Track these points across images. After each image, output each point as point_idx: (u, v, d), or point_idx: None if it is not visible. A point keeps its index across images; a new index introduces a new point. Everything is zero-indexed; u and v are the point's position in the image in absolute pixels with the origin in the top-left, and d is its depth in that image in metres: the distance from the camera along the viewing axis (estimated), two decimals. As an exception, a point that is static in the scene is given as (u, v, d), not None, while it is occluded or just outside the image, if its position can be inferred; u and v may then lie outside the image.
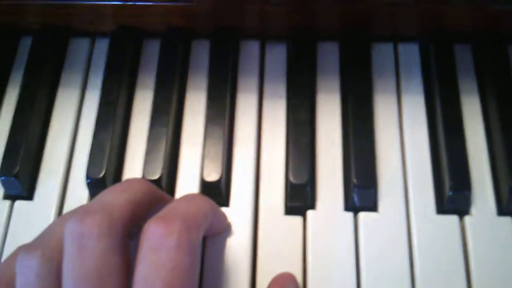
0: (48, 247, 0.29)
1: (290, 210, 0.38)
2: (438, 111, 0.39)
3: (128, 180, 0.33)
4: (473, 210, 0.37)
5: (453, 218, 0.37)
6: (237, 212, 0.38)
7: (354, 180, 0.37)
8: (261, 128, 0.41)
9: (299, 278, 0.36)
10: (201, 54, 0.44)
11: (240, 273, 0.36)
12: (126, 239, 0.30)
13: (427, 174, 0.38)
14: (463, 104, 0.40)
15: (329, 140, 0.40)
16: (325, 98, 0.41)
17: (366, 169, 0.37)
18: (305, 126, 0.39)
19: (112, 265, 0.28)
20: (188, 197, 0.33)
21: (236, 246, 0.37)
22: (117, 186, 0.32)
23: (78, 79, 0.44)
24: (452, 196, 0.36)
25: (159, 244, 0.28)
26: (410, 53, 0.43)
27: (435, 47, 0.42)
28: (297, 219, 0.38)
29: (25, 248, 0.29)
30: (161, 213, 0.30)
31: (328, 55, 0.43)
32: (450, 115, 0.39)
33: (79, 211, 0.29)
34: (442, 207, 0.37)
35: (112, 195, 0.31)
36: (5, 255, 0.38)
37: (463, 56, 0.43)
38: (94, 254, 0.28)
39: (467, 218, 0.37)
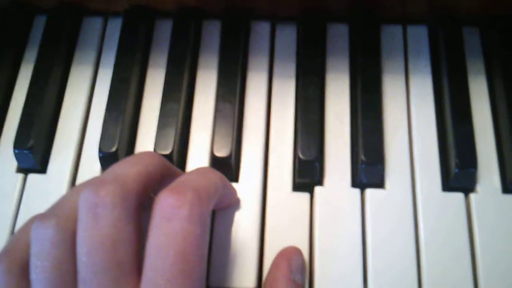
0: (62, 216, 0.30)
1: (298, 186, 0.39)
2: (446, 92, 0.40)
3: (140, 153, 0.34)
4: (479, 187, 0.38)
5: (459, 196, 0.37)
6: (246, 187, 0.39)
7: (362, 157, 0.37)
8: (271, 106, 0.42)
9: (306, 253, 0.37)
10: (212, 34, 0.45)
11: (248, 247, 0.37)
12: (139, 209, 0.30)
13: (434, 152, 0.39)
14: (470, 85, 0.41)
15: (337, 119, 0.40)
16: (334, 78, 0.42)
17: (374, 146, 0.38)
18: (314, 103, 0.40)
19: (126, 233, 0.29)
20: (199, 170, 0.34)
21: (245, 221, 0.37)
22: (129, 159, 0.33)
23: (91, 57, 0.44)
24: (458, 174, 0.37)
25: (171, 214, 0.28)
26: (419, 35, 0.44)
27: (444, 29, 0.43)
28: (305, 196, 0.38)
29: (39, 217, 0.30)
30: (173, 184, 0.31)
31: (338, 36, 0.44)
32: (458, 95, 0.39)
33: (92, 182, 0.30)
34: (448, 184, 0.38)
35: (124, 167, 0.32)
36: (17, 229, 0.38)
37: (472, 39, 0.43)
38: (108, 223, 0.28)
39: (472, 196, 0.37)
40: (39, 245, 0.29)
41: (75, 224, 0.29)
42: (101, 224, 0.28)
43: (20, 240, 0.32)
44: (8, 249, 0.31)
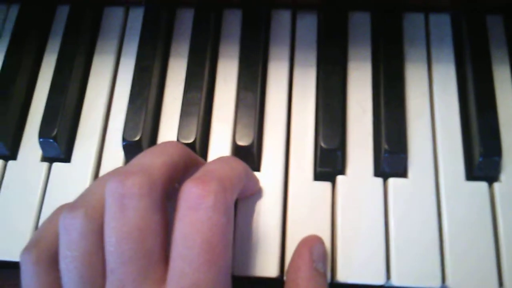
0: (90, 206, 0.30)
1: (320, 175, 0.39)
2: (469, 80, 0.40)
3: (164, 143, 0.34)
4: (503, 176, 0.38)
5: (483, 185, 0.37)
6: (268, 176, 0.39)
7: (385, 146, 0.37)
8: (292, 95, 0.42)
9: (327, 242, 0.37)
10: (233, 23, 0.45)
11: (271, 236, 0.37)
12: (165, 199, 0.31)
13: (457, 141, 0.39)
14: (494, 73, 0.40)
15: (360, 108, 0.40)
16: (356, 67, 0.42)
17: (397, 135, 0.38)
18: (336, 92, 0.40)
19: (153, 223, 0.29)
20: (223, 159, 0.34)
21: (267, 210, 0.38)
22: (154, 149, 0.33)
23: (113, 47, 0.45)
24: (482, 162, 0.37)
25: (197, 204, 0.29)
26: (442, 23, 0.43)
27: (467, 17, 0.42)
28: (326, 185, 0.38)
29: (67, 208, 0.30)
30: (198, 174, 0.31)
31: (359, 24, 0.44)
32: (482, 83, 0.39)
33: (119, 172, 0.30)
34: (472, 173, 0.38)
35: (150, 157, 0.32)
36: (43, 216, 0.39)
37: (495, 27, 0.43)
38: (135, 213, 0.29)
39: (496, 185, 0.37)
40: (67, 236, 0.30)
41: (103, 214, 0.30)
42: (128, 215, 0.29)
43: (48, 230, 0.32)
44: (36, 239, 0.32)
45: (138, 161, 0.32)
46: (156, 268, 0.29)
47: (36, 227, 0.39)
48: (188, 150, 0.34)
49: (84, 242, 0.29)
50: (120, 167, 0.34)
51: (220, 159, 0.34)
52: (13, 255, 0.38)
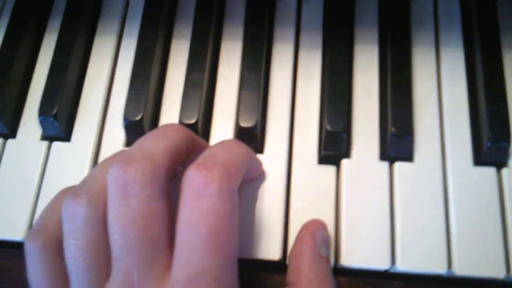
0: (93, 194, 0.30)
1: (324, 159, 0.38)
2: (479, 64, 0.39)
3: (165, 126, 0.33)
4: (511, 162, 0.37)
5: (491, 170, 0.37)
6: (271, 159, 0.38)
7: (392, 129, 0.36)
8: (297, 77, 0.41)
9: (331, 227, 0.36)
10: (237, 3, 0.44)
11: (274, 219, 0.36)
12: (168, 184, 0.30)
13: (465, 126, 0.38)
14: (504, 58, 0.40)
15: (366, 91, 0.40)
16: (362, 50, 0.41)
17: (404, 119, 0.37)
18: (342, 74, 0.39)
19: (157, 210, 0.29)
20: (225, 143, 0.33)
21: (270, 193, 0.37)
22: (155, 133, 0.32)
23: (115, 27, 0.44)
24: (491, 147, 0.36)
25: (201, 191, 0.28)
26: (450, 5, 0.42)
27: (477, 2, 0.41)
28: (331, 169, 0.38)
29: (70, 195, 0.30)
30: (201, 159, 0.30)
31: (366, 7, 0.43)
32: (491, 68, 0.38)
33: (120, 158, 0.29)
34: (480, 158, 0.37)
35: (151, 142, 0.31)
36: (42, 196, 0.38)
37: (505, 12, 0.42)
38: (139, 201, 0.28)
39: (504, 171, 0.37)
40: (71, 224, 0.29)
41: (106, 201, 0.29)
42: (132, 202, 0.28)
43: (51, 216, 0.32)
44: (41, 226, 0.31)
45: (140, 146, 0.31)
46: (162, 255, 0.29)
47: (36, 206, 0.38)
48: (190, 132, 0.34)
49: (88, 230, 0.29)
50: (122, 152, 0.34)
51: (223, 143, 0.33)
52: (11, 234, 0.37)
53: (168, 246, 0.29)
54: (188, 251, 0.28)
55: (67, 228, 0.30)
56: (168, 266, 0.29)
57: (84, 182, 0.31)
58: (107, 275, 0.29)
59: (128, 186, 0.28)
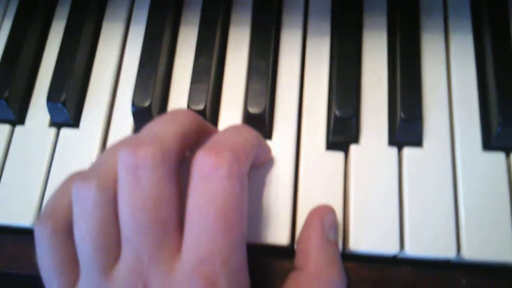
0: (103, 177, 0.30)
1: (333, 144, 0.38)
2: (488, 48, 0.39)
3: (174, 112, 0.33)
4: (521, 146, 0.37)
5: (500, 155, 0.36)
6: (279, 145, 0.38)
7: (401, 113, 0.36)
8: (305, 63, 0.41)
9: (339, 212, 0.36)
10: (245, -11, 0.44)
11: (282, 205, 0.36)
12: (178, 168, 0.30)
13: (474, 111, 0.38)
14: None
15: (375, 76, 0.39)
16: (371, 35, 0.41)
17: (413, 104, 0.37)
18: (351, 60, 0.39)
19: (167, 193, 0.29)
20: (235, 128, 0.34)
21: (278, 178, 0.37)
22: (164, 117, 0.32)
23: (123, 13, 0.44)
24: (501, 132, 0.36)
25: (210, 175, 0.28)
26: (460, -9, 0.42)
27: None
28: (339, 155, 0.38)
29: (80, 179, 0.30)
30: (210, 144, 0.30)
31: (375, -8, 0.43)
32: (500, 53, 0.38)
33: (130, 142, 0.29)
34: (489, 143, 0.37)
35: (161, 126, 0.31)
36: (50, 182, 0.39)
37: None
38: (149, 184, 0.28)
39: (514, 155, 0.36)
40: (81, 207, 0.29)
41: (116, 184, 0.29)
42: (142, 186, 0.28)
43: (61, 200, 0.32)
44: (50, 211, 0.31)
45: (149, 131, 0.31)
46: (172, 238, 0.29)
47: (44, 192, 0.38)
48: (200, 118, 0.34)
49: (98, 212, 0.29)
50: (131, 137, 0.34)
51: (232, 128, 0.34)
52: (20, 220, 0.38)
53: (178, 229, 0.29)
54: (197, 233, 0.28)
55: (77, 211, 0.30)
56: (178, 248, 0.29)
57: (94, 166, 0.31)
58: (117, 257, 0.29)
59: (138, 170, 0.28)
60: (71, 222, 0.30)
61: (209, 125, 0.35)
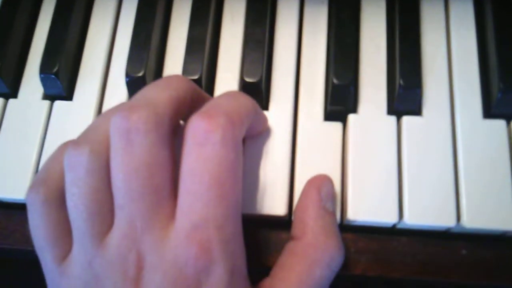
0: (95, 142, 0.29)
1: (330, 114, 0.37)
2: (488, 14, 0.38)
3: (169, 77, 0.33)
4: (522, 114, 0.36)
5: (501, 123, 0.36)
6: (276, 115, 0.37)
7: (400, 81, 0.36)
8: (303, 32, 0.40)
9: (337, 183, 0.36)
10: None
11: (279, 175, 0.36)
12: (172, 134, 0.30)
13: (474, 78, 0.37)
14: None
15: (373, 44, 0.39)
16: (369, 2, 0.40)
17: (412, 71, 0.36)
18: (348, 26, 0.38)
19: (160, 159, 0.28)
20: (230, 94, 0.33)
21: (275, 149, 0.36)
22: (158, 83, 0.32)
23: (116, -17, 0.43)
24: (501, 99, 0.35)
25: (204, 139, 0.28)
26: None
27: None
28: (337, 125, 0.37)
29: (72, 144, 0.29)
30: (205, 108, 0.30)
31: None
32: (501, 18, 0.37)
33: (123, 107, 0.29)
34: (489, 111, 0.36)
35: (154, 91, 0.31)
36: (44, 155, 0.38)
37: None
38: (142, 149, 0.28)
39: (515, 123, 0.36)
40: (74, 173, 0.29)
41: (108, 150, 0.29)
42: (135, 150, 0.28)
43: (53, 168, 0.31)
44: (42, 178, 0.31)
45: (143, 95, 0.31)
46: (165, 204, 0.28)
47: (38, 165, 0.38)
48: (194, 85, 0.33)
49: (91, 179, 0.29)
50: (125, 102, 0.33)
51: (228, 94, 0.33)
52: (14, 194, 0.37)
53: (172, 195, 0.29)
54: (191, 199, 0.28)
55: (69, 177, 0.29)
56: (172, 215, 0.28)
57: (86, 132, 0.31)
58: (110, 224, 0.29)
59: (131, 134, 0.28)
60: (63, 189, 0.30)
61: (204, 93, 0.35)
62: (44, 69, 0.38)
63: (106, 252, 0.28)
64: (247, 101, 0.33)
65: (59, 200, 0.30)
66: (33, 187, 0.30)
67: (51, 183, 0.30)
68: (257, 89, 0.37)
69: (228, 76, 0.39)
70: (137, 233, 0.28)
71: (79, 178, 0.29)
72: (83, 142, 0.29)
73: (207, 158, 0.28)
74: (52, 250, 0.30)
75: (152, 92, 0.31)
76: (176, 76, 0.33)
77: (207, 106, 0.30)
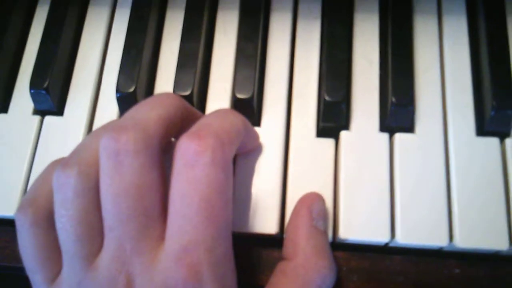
0: (84, 163, 0.29)
1: (323, 131, 0.37)
2: (482, 31, 0.38)
3: (159, 95, 0.32)
4: (515, 132, 0.36)
5: (494, 141, 0.35)
6: (268, 131, 0.37)
7: (392, 98, 0.35)
8: (295, 47, 0.40)
9: (330, 200, 0.35)
10: (234, -28, 0.43)
11: (271, 193, 0.35)
12: (161, 154, 0.29)
13: (468, 95, 0.37)
14: (508, 25, 0.38)
15: (366, 60, 0.38)
16: (362, 18, 0.40)
17: (405, 88, 0.36)
18: (341, 43, 0.38)
19: (150, 180, 0.28)
20: (220, 112, 0.32)
21: (267, 166, 0.36)
22: (148, 101, 0.31)
23: (108, -3, 0.43)
24: (494, 116, 0.35)
25: (193, 161, 0.28)
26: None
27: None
28: (329, 141, 0.37)
29: (61, 165, 0.29)
30: (194, 128, 0.29)
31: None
32: (495, 35, 0.37)
33: (112, 127, 0.28)
34: (483, 128, 0.36)
35: (144, 111, 0.30)
36: (34, 171, 0.38)
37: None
38: (132, 170, 0.28)
39: (508, 141, 0.35)
40: (62, 194, 0.29)
41: (97, 171, 0.29)
42: (124, 172, 0.27)
43: (42, 188, 0.31)
44: (31, 198, 0.31)
45: (132, 115, 0.30)
46: (155, 226, 0.28)
47: (28, 182, 0.37)
48: (185, 102, 0.33)
49: (79, 201, 0.28)
50: (114, 121, 0.33)
51: (217, 112, 0.32)
52: (3, 211, 0.37)
53: (161, 217, 0.28)
54: (181, 221, 0.27)
55: (58, 199, 0.29)
56: (162, 237, 0.28)
57: (75, 152, 0.30)
58: (99, 246, 0.29)
59: (120, 156, 0.28)
60: (52, 210, 0.29)
61: (195, 110, 0.34)
62: (34, 85, 0.38)
63: (95, 274, 0.28)
64: (237, 120, 0.32)
65: (48, 221, 0.30)
66: (21, 208, 0.30)
67: (39, 204, 0.30)
68: (249, 105, 0.37)
69: (220, 92, 0.38)
70: (127, 255, 0.28)
71: (68, 200, 0.28)
72: (72, 163, 0.29)
73: (196, 179, 0.27)
74: (41, 271, 0.30)
75: (141, 111, 0.30)
76: (166, 94, 0.32)
77: (197, 126, 0.30)
